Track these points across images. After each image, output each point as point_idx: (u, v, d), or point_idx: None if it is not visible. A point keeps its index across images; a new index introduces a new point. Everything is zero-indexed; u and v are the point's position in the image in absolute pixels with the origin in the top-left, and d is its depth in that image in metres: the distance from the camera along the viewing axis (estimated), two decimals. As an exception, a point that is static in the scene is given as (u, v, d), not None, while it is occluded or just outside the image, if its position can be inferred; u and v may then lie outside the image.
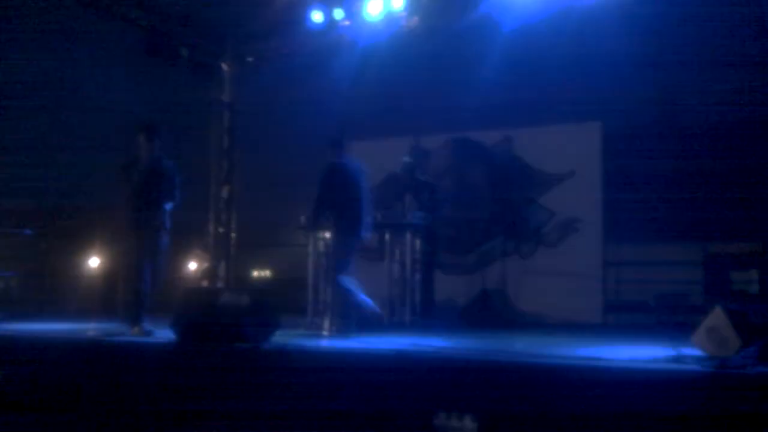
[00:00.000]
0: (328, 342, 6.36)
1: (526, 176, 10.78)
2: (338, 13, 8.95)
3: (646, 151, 10.26)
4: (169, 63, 9.57)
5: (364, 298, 6.87)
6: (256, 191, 10.98)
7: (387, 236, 8.36)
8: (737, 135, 9.94)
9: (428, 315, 8.48)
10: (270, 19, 9.14)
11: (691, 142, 10.14)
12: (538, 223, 10.60)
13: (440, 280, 9.46)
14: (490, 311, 9.16)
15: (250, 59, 10.14)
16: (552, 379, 4.16)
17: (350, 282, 6.88)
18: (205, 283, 9.90)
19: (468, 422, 3.98)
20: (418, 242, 8.39)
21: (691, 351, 4.45)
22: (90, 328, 7.16)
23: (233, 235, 10.06)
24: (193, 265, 11.46)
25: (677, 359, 4.40)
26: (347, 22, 9.02)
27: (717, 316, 4.31)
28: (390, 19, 8.74)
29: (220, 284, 9.74)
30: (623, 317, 9.97)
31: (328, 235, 7.59)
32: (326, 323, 7.04)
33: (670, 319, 9.26)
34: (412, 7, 8.69)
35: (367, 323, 6.85)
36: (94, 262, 12.30)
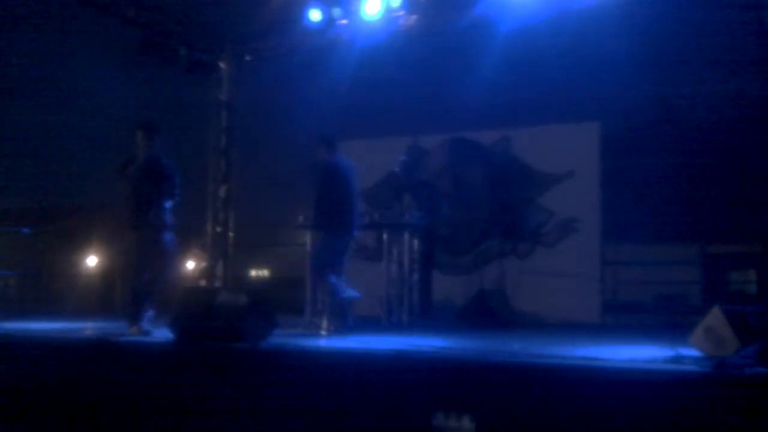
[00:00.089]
0: (326, 342, 6.35)
1: (525, 176, 10.76)
2: (336, 12, 8.94)
3: (645, 151, 10.28)
4: (167, 62, 9.57)
5: (349, 291, 6.96)
6: (254, 191, 10.99)
7: (385, 236, 8.34)
8: (736, 135, 9.95)
9: (426, 315, 8.48)
10: (268, 18, 9.13)
11: (690, 142, 10.16)
12: (537, 223, 10.59)
13: (438, 280, 9.45)
14: (488, 311, 9.15)
15: (248, 58, 10.12)
16: (550, 379, 4.15)
17: (339, 279, 6.93)
18: (202, 283, 9.88)
19: (466, 422, 3.98)
20: (416, 242, 8.38)
21: (689, 351, 4.45)
22: (88, 328, 7.15)
23: (231, 234, 10.04)
24: (190, 265, 11.46)
25: (675, 359, 4.39)
26: (345, 21, 9.01)
27: (715, 317, 4.31)
28: (388, 18, 8.73)
29: (217, 284, 9.72)
30: (621, 317, 9.98)
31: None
32: (324, 323, 7.03)
33: (668, 319, 9.27)
34: (410, 7, 8.69)
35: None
36: (91, 261, 12.29)
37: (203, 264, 10.06)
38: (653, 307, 9.64)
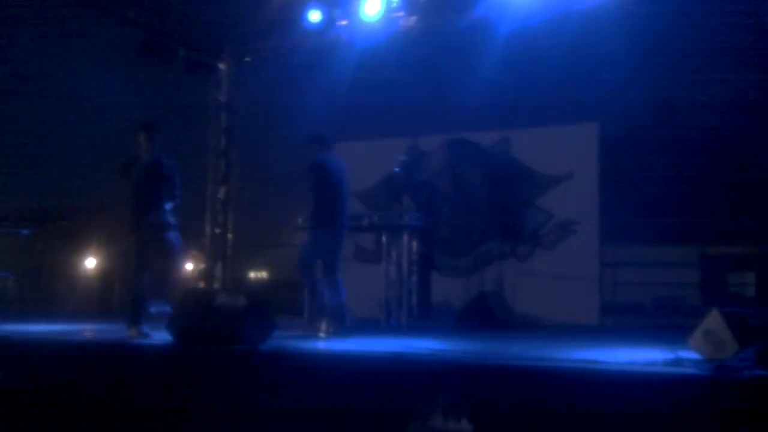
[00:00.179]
0: (324, 344, 6.34)
1: (524, 177, 10.75)
2: (336, 13, 8.94)
3: (644, 152, 10.27)
4: (166, 62, 9.56)
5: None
6: (253, 192, 10.99)
7: (384, 238, 8.34)
8: (734, 137, 9.95)
9: (425, 317, 8.47)
10: (267, 19, 9.13)
11: (688, 143, 10.15)
12: (536, 225, 10.58)
13: (437, 281, 9.45)
14: (487, 313, 9.14)
15: (247, 59, 10.13)
16: (549, 381, 4.15)
17: (331, 280, 6.93)
18: (201, 285, 9.88)
19: (465, 425, 3.98)
20: (415, 244, 8.37)
21: (688, 354, 4.44)
22: (87, 329, 7.14)
23: (230, 236, 10.04)
24: (189, 266, 11.45)
25: (675, 362, 4.39)
26: (345, 22, 9.01)
27: (714, 319, 4.30)
28: (388, 19, 8.73)
29: (216, 285, 9.72)
30: (620, 319, 9.97)
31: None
32: (323, 325, 7.02)
33: (667, 321, 9.26)
34: (410, 8, 8.68)
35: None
36: (90, 262, 12.28)
37: (202, 266, 10.05)
38: (652, 309, 9.63)
